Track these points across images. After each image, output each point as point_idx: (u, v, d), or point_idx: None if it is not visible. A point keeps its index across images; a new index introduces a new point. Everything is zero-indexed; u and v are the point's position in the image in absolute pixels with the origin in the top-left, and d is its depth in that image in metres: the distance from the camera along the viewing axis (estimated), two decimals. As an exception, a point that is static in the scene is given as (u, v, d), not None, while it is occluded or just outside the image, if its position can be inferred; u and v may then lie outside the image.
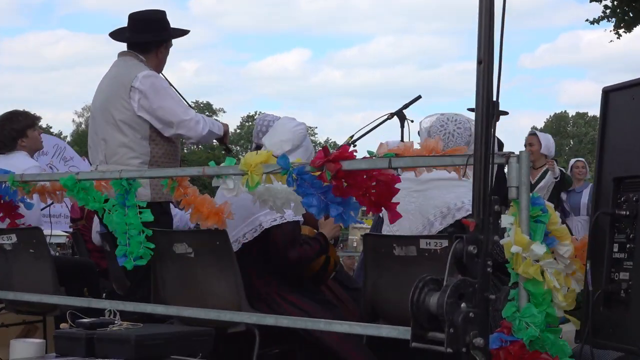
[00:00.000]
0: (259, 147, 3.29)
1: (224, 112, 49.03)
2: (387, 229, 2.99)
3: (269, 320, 2.67)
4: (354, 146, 3.65)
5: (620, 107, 2.12)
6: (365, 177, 2.39)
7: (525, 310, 2.04)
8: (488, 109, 1.89)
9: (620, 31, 12.91)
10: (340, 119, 74.43)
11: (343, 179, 2.39)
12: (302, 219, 3.12)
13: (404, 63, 76.46)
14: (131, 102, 3.41)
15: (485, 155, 1.89)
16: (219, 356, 2.79)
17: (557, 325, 2.08)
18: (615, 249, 2.04)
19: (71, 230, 5.23)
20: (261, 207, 2.85)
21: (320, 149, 2.45)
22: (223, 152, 3.73)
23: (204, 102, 46.51)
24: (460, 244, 1.85)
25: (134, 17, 3.62)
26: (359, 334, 2.99)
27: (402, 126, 4.10)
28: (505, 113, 5.93)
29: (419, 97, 4.12)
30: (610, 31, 13.11)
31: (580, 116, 50.58)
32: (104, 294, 4.07)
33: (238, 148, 44.50)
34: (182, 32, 3.69)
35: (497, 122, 1.90)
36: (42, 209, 4.02)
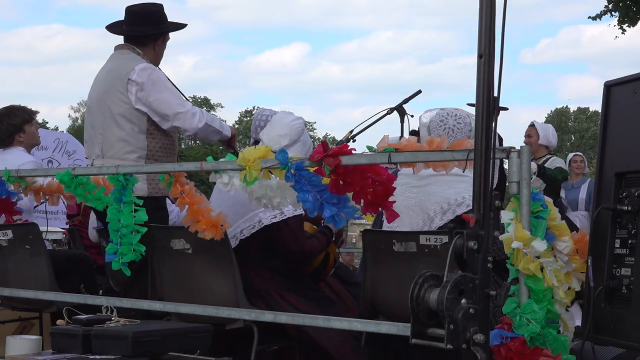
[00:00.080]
0: (257, 142, 3.27)
1: (222, 107, 48.91)
2: (387, 225, 2.97)
3: (268, 316, 2.65)
4: (354, 141, 3.63)
5: (622, 101, 2.11)
6: (361, 176, 2.37)
7: (526, 306, 2.02)
8: (489, 104, 1.87)
9: (625, 26, 12.84)
10: (339, 114, 74.45)
11: (340, 179, 2.38)
12: (302, 212, 3.09)
13: (404, 57, 76.42)
14: (128, 94, 3.39)
15: (485, 150, 1.87)
16: (217, 353, 2.77)
17: (557, 322, 2.07)
18: (617, 245, 2.03)
19: (67, 226, 5.21)
20: (257, 205, 2.83)
21: (319, 143, 2.43)
22: (232, 154, 3.69)
23: (202, 97, 46.41)
24: (460, 239, 1.84)
25: (131, 10, 3.59)
26: (355, 336, 2.98)
27: (402, 121, 4.08)
28: (505, 109, 5.90)
29: (419, 91, 4.09)
30: (614, 26, 13.04)
31: (582, 111, 50.53)
32: (101, 291, 4.05)
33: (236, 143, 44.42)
34: (180, 26, 3.67)
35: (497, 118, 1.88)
36: (35, 207, 3.99)
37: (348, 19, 73.61)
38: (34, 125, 4.31)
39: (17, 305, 3.72)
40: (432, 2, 72.94)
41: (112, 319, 2.62)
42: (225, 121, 3.88)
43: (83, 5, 70.24)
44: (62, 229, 6.10)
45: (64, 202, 4.33)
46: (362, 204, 2.44)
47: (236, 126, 46.85)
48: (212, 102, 46.62)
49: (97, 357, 2.42)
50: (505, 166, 2.16)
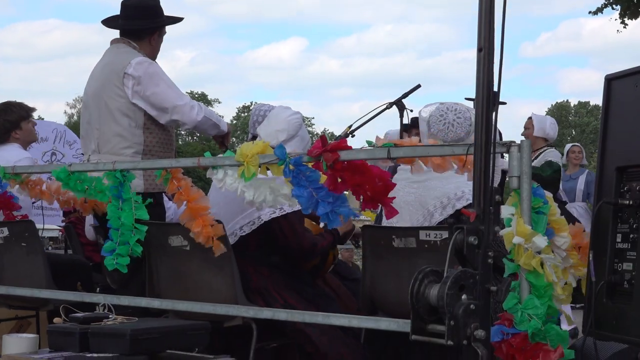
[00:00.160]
0: (255, 137, 3.25)
1: (219, 102, 48.81)
2: (387, 221, 2.95)
3: (266, 314, 2.64)
4: (352, 136, 3.61)
5: (623, 95, 2.09)
6: (358, 174, 2.36)
7: (528, 302, 2.01)
8: (489, 97, 1.85)
9: (626, 19, 12.79)
10: (337, 109, 74.44)
11: (338, 175, 2.36)
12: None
13: (403, 51, 76.39)
14: (125, 89, 3.36)
15: (486, 145, 1.85)
16: (215, 350, 2.75)
17: (556, 318, 2.06)
18: (619, 240, 2.01)
19: (64, 224, 5.18)
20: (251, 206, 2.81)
21: (317, 139, 2.41)
22: (223, 152, 3.66)
23: (199, 92, 46.34)
24: (460, 234, 1.82)
25: (127, 4, 3.56)
26: (354, 333, 2.97)
27: (402, 116, 4.06)
28: (503, 103, 5.86)
29: (419, 86, 4.07)
30: (616, 20, 13.00)
31: (582, 105, 50.49)
32: (98, 289, 4.03)
33: (234, 139, 44.41)
34: (176, 20, 3.64)
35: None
36: (33, 203, 3.97)
37: (346, 13, 73.55)
38: (31, 122, 4.29)
39: (13, 304, 3.70)
40: (432, -5, 72.88)
41: (110, 316, 2.60)
42: (223, 117, 3.85)
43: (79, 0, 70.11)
44: (59, 226, 6.08)
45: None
46: (361, 200, 2.42)
47: (234, 122, 46.81)
48: (209, 97, 46.55)
49: (95, 355, 2.40)
50: (506, 161, 2.15)
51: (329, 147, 2.34)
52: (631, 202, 1.98)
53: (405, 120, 4.27)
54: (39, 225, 3.60)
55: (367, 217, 4.78)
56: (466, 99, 4.56)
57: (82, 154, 3.72)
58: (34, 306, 3.66)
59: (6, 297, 3.58)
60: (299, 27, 77.22)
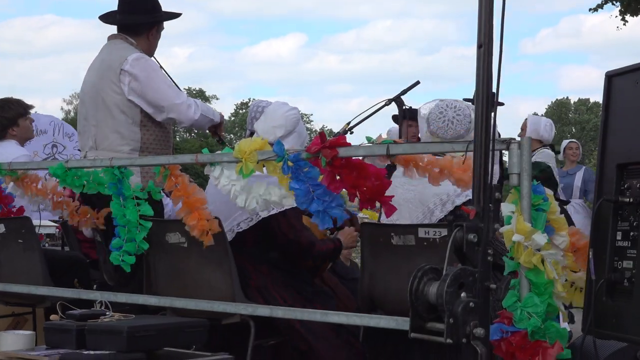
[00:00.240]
0: (252, 133, 3.24)
1: (217, 99, 48.73)
2: (386, 218, 2.94)
3: (264, 311, 2.63)
4: (351, 133, 3.60)
5: (623, 92, 2.08)
6: (356, 171, 2.35)
7: (527, 300, 2.00)
8: (488, 94, 1.84)
9: (627, 16, 12.75)
10: (336, 105, 74.44)
11: (337, 172, 2.35)
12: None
13: (402, 48, 76.35)
14: (121, 85, 3.34)
15: (485, 142, 1.84)
16: (213, 348, 2.74)
17: (556, 316, 2.05)
18: (619, 237, 2.00)
19: (60, 220, 5.16)
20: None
21: (315, 135, 2.40)
22: (217, 142, 3.66)
23: (197, 88, 46.23)
24: (460, 232, 1.81)
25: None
26: (352, 332, 2.96)
27: (402, 112, 4.04)
28: (501, 104, 5.83)
29: (418, 82, 4.05)
30: (616, 17, 12.96)
31: (582, 102, 50.44)
32: (95, 286, 4.02)
33: (232, 136, 44.37)
34: (174, 15, 3.62)
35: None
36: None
37: (345, 8, 73.46)
38: (29, 118, 4.27)
39: (10, 300, 3.69)
40: (432, -10, 72.81)
41: (107, 313, 2.59)
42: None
43: (76, -5, 69.96)
44: (55, 222, 6.06)
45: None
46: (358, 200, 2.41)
47: (232, 119, 46.74)
48: (207, 94, 46.45)
49: (91, 352, 2.39)
50: (505, 158, 2.14)
51: (327, 143, 2.33)
52: (631, 200, 1.97)
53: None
54: (35, 222, 3.57)
55: (364, 215, 4.76)
56: (465, 99, 4.55)
57: (79, 150, 3.70)
58: (31, 303, 3.65)
59: (3, 294, 3.57)
60: (297, 23, 77.18)
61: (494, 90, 1.81)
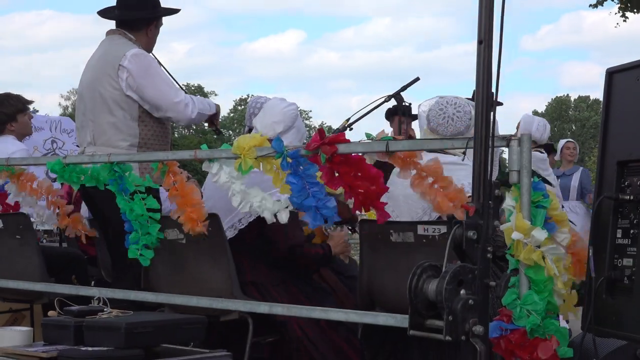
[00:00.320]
0: (251, 130, 3.23)
1: (216, 94, 48.65)
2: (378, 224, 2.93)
3: (263, 308, 2.62)
4: (350, 130, 3.59)
5: (624, 88, 2.06)
6: (353, 172, 2.35)
7: (527, 297, 1.99)
8: (489, 91, 1.83)
9: (627, 13, 12.71)
10: (335, 102, 74.34)
11: (336, 169, 2.35)
12: None
13: (402, 44, 76.26)
14: (119, 80, 3.33)
15: (485, 139, 1.83)
16: (211, 345, 2.73)
17: (556, 314, 2.04)
18: (619, 235, 1.99)
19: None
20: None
21: (315, 132, 2.39)
22: (214, 131, 3.65)
23: (196, 84, 46.18)
24: (459, 229, 1.80)
25: (124, -5, 3.53)
26: (350, 329, 2.95)
27: (401, 109, 4.02)
28: (500, 104, 5.80)
29: (417, 79, 4.04)
30: (615, 13, 12.92)
31: (582, 100, 50.35)
32: (93, 282, 4.01)
33: (230, 132, 44.33)
34: (173, 11, 3.61)
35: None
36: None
37: (345, 5, 73.33)
38: (28, 114, 4.25)
39: (7, 297, 3.69)
40: (432, -13, 72.63)
41: (105, 310, 2.58)
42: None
43: (74, -10, 69.75)
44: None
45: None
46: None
47: (231, 115, 46.70)
48: (206, 90, 46.37)
49: (89, 348, 2.38)
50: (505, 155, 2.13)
51: (327, 140, 2.32)
52: (632, 197, 1.96)
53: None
54: (33, 219, 3.57)
55: (362, 212, 4.76)
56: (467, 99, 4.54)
57: (78, 146, 3.70)
58: (29, 299, 3.64)
59: (0, 290, 3.56)
60: (297, 19, 77.07)
61: (494, 86, 1.80)
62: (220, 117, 3.71)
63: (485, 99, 1.83)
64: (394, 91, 3.99)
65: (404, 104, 3.98)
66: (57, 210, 3.45)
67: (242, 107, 46.49)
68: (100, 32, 3.64)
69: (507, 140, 2.07)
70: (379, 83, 67.89)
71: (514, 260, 2.04)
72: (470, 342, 1.74)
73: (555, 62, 77.91)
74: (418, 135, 3.57)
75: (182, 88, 3.60)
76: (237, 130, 43.88)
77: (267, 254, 3.11)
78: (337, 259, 3.63)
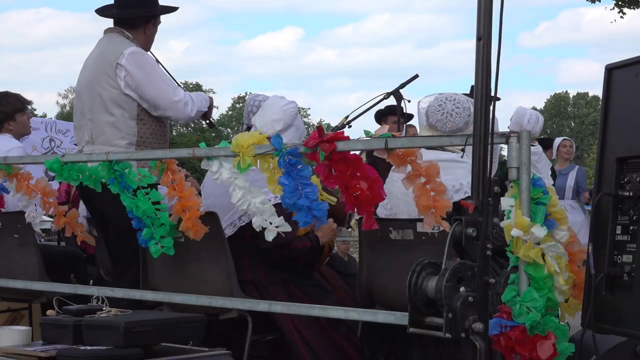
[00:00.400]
0: (249, 128, 3.22)
1: (214, 92, 48.64)
2: (384, 212, 2.93)
3: (262, 306, 2.62)
4: (349, 127, 3.59)
5: (623, 85, 2.06)
6: (352, 167, 2.35)
7: (526, 294, 1.99)
8: (488, 87, 1.83)
9: (624, 9, 12.69)
10: (334, 99, 74.28)
11: (334, 166, 2.35)
12: None
13: (401, 42, 76.15)
14: (117, 79, 3.33)
15: (484, 135, 1.83)
16: (210, 343, 2.73)
17: (556, 310, 2.04)
18: (618, 231, 1.99)
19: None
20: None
21: (314, 129, 2.39)
22: (206, 124, 3.64)
23: (194, 82, 46.13)
24: (459, 226, 1.80)
25: (122, -8, 3.52)
26: (350, 326, 2.94)
27: (399, 106, 4.02)
28: (497, 99, 5.73)
29: (416, 76, 4.03)
30: (611, 9, 12.90)
31: (581, 96, 50.30)
32: (92, 281, 4.00)
33: (229, 130, 44.30)
34: (171, 9, 3.60)
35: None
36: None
37: (343, 2, 73.21)
38: (26, 114, 4.24)
39: (6, 296, 3.68)
40: (431, -17, 72.54)
41: (103, 309, 2.58)
42: (217, 108, 3.81)
43: (72, -12, 69.57)
44: (51, 217, 6.05)
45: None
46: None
47: (229, 113, 46.68)
48: (204, 88, 46.28)
49: (88, 347, 2.38)
50: (504, 152, 2.12)
51: (326, 137, 2.32)
52: (631, 194, 1.96)
53: (403, 112, 4.22)
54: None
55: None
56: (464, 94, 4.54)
57: (76, 144, 3.69)
58: (27, 298, 3.63)
59: (-1, 289, 3.56)
60: (294, 17, 76.97)
61: (493, 83, 1.79)
62: (219, 115, 3.71)
63: (484, 95, 1.82)
64: (393, 88, 3.99)
65: (403, 100, 3.98)
66: (52, 210, 3.43)
67: (240, 105, 46.45)
68: (99, 30, 3.63)
69: (506, 137, 2.06)
70: (378, 80, 67.90)
71: (514, 257, 2.04)
72: (470, 340, 1.74)
73: (554, 59, 77.88)
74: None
75: (180, 86, 3.59)
76: (236, 128, 43.86)
77: (267, 251, 3.10)
78: (336, 257, 3.63)
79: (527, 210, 2.02)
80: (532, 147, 6.03)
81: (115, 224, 3.35)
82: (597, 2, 12.97)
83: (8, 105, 4.11)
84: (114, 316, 2.51)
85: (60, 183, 4.10)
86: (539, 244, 2.01)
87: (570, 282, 2.10)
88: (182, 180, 2.86)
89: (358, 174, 2.36)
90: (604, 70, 2.11)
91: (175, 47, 67.50)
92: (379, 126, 5.26)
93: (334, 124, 4.30)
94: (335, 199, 3.07)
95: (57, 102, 46.72)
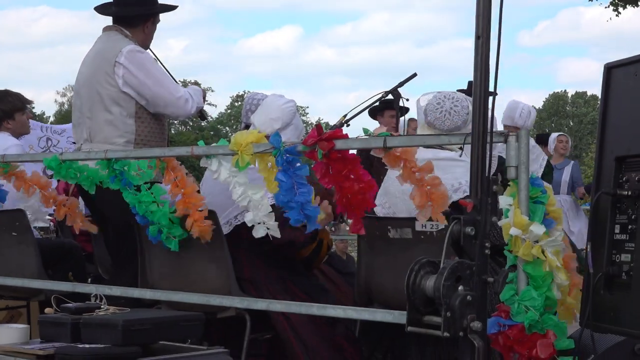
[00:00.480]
0: (247, 126, 3.22)
1: (213, 91, 48.59)
2: (383, 211, 2.93)
3: (260, 304, 2.62)
4: (348, 126, 3.59)
5: (622, 84, 2.06)
6: (345, 173, 2.36)
7: (525, 293, 1.99)
8: (486, 86, 1.83)
9: (620, 8, 12.70)
10: (332, 98, 74.16)
11: (331, 165, 2.35)
12: None
13: (400, 40, 76.06)
14: (115, 77, 3.32)
15: (483, 134, 1.83)
16: (209, 342, 2.73)
17: (555, 309, 2.04)
18: (617, 230, 1.98)
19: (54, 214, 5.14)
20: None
21: (312, 128, 2.39)
22: (198, 116, 3.64)
23: (192, 81, 46.09)
24: (457, 225, 1.79)
25: (121, -9, 3.51)
26: (347, 326, 2.94)
27: (397, 105, 4.02)
28: (494, 94, 5.70)
29: (415, 74, 4.03)
30: (606, 7, 12.91)
31: (580, 95, 50.31)
32: (90, 279, 4.00)
33: (227, 129, 44.27)
34: (170, 8, 3.60)
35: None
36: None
37: (342, 0, 73.14)
38: (26, 114, 4.24)
39: (4, 294, 3.68)
40: (429, -18, 72.45)
41: (102, 307, 2.57)
42: (216, 106, 3.81)
43: (70, -14, 69.43)
44: (50, 215, 6.05)
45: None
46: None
47: (228, 111, 46.64)
48: (202, 86, 46.24)
49: (86, 346, 2.37)
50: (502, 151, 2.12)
51: (324, 135, 2.32)
52: (630, 193, 1.96)
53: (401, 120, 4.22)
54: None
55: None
56: (459, 90, 4.54)
57: (74, 142, 3.68)
58: (25, 296, 3.63)
59: (-3, 287, 3.56)
60: (293, 15, 76.86)
61: (492, 81, 1.79)
62: (218, 114, 3.71)
63: (483, 94, 1.82)
64: (392, 87, 3.99)
65: (401, 99, 3.98)
66: (52, 203, 3.42)
67: (239, 103, 46.40)
68: (97, 28, 3.63)
69: (504, 136, 2.06)
70: (377, 79, 67.85)
71: (512, 256, 2.04)
72: (468, 338, 1.74)
73: (553, 58, 77.83)
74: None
75: (178, 83, 3.59)
76: (234, 127, 43.82)
77: (266, 248, 3.10)
78: (334, 255, 3.63)
79: (526, 209, 2.02)
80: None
81: (114, 222, 3.35)
82: (594, 0, 12.98)
83: (8, 104, 4.11)
84: (112, 314, 2.51)
85: (58, 181, 4.09)
86: (537, 242, 2.01)
87: (569, 278, 2.10)
88: (184, 177, 2.86)
89: (352, 176, 2.37)
90: (603, 69, 2.11)
91: (174, 46, 67.40)
92: (374, 121, 5.28)
93: (332, 122, 4.30)
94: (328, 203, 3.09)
95: (56, 101, 46.65)
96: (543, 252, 2.00)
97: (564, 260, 2.12)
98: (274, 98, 3.18)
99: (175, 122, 37.06)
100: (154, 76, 3.35)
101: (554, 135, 7.53)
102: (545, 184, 2.11)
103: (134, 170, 2.89)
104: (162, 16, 3.62)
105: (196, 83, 44.17)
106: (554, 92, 51.46)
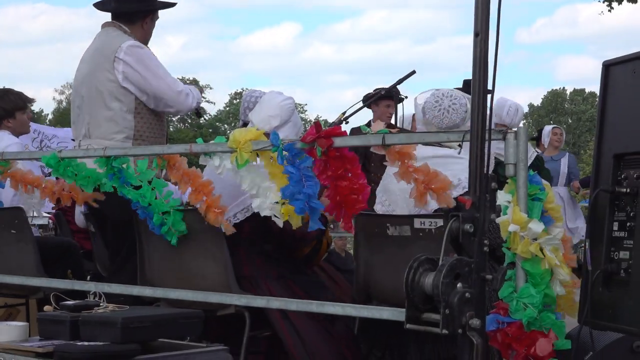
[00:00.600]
0: (246, 124, 3.22)
1: (211, 88, 48.56)
2: (382, 209, 2.93)
3: (259, 302, 2.62)
4: (346, 123, 3.59)
5: (621, 81, 2.06)
6: (341, 171, 2.36)
7: (523, 290, 1.99)
8: (485, 83, 1.83)
9: (614, 4, 12.72)
10: (331, 95, 74.09)
11: (329, 163, 2.35)
12: None
13: (398, 38, 75.94)
14: (115, 72, 3.32)
15: (482, 132, 1.83)
16: (208, 339, 2.73)
17: (554, 306, 2.04)
18: (615, 228, 1.99)
19: (53, 211, 5.14)
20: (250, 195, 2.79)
21: (311, 125, 2.39)
22: (194, 114, 3.64)
23: (191, 78, 46.02)
24: (456, 222, 1.80)
25: (120, -13, 3.51)
26: (346, 323, 2.95)
27: (396, 102, 4.03)
28: (490, 92, 5.68)
29: (413, 72, 4.03)
30: (598, 1, 12.93)
31: (578, 93, 50.31)
32: (89, 276, 4.00)
33: (226, 126, 44.24)
34: (169, 4, 3.60)
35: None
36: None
37: (341, -3, 72.93)
38: (27, 113, 4.23)
39: (2, 291, 3.67)
40: (428, -20, 72.32)
41: (101, 304, 2.57)
42: (214, 103, 3.83)
43: (68, -18, 69.24)
44: (48, 213, 6.05)
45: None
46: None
47: (226, 109, 46.62)
48: (201, 83, 46.19)
49: (85, 343, 2.38)
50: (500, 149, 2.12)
51: (323, 133, 2.32)
52: (628, 190, 1.96)
53: (400, 110, 4.23)
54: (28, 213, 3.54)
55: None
56: (457, 88, 4.54)
57: (73, 139, 3.68)
58: (24, 294, 3.63)
59: (-4, 285, 3.55)
60: (292, 12, 76.74)
61: (490, 80, 1.79)
62: (216, 111, 3.72)
63: (482, 92, 1.82)
64: (390, 85, 3.99)
65: (400, 96, 3.98)
66: (54, 194, 3.38)
67: (238, 100, 46.34)
68: (96, 25, 3.62)
69: (503, 133, 2.06)
70: (375, 76, 67.73)
71: (511, 253, 2.04)
72: (466, 336, 1.74)
73: (551, 55, 77.75)
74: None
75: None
76: (233, 124, 43.78)
77: (266, 247, 3.11)
78: (333, 253, 3.63)
79: (524, 206, 2.02)
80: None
81: (113, 219, 3.34)
82: None
83: (9, 102, 4.10)
84: (111, 312, 2.51)
85: (57, 179, 4.08)
86: (536, 239, 2.01)
87: (570, 274, 2.10)
88: (189, 171, 2.86)
89: (349, 175, 2.37)
90: (601, 66, 2.11)
91: (173, 43, 67.27)
92: (368, 110, 5.27)
93: (331, 119, 4.29)
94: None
95: (54, 98, 46.57)
96: (541, 249, 2.00)
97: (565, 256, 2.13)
98: (272, 95, 3.18)
99: (174, 119, 37.07)
100: (157, 71, 3.35)
101: (547, 128, 7.54)
102: (544, 181, 2.11)
103: (132, 172, 2.89)
104: (160, 13, 3.62)
105: (195, 80, 44.19)
106: (553, 90, 51.46)
